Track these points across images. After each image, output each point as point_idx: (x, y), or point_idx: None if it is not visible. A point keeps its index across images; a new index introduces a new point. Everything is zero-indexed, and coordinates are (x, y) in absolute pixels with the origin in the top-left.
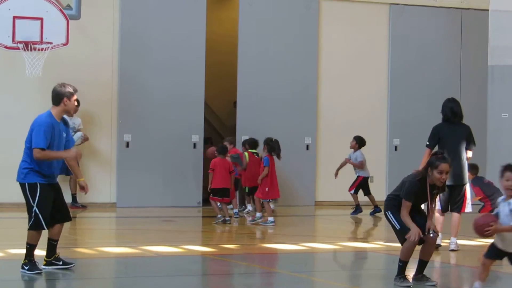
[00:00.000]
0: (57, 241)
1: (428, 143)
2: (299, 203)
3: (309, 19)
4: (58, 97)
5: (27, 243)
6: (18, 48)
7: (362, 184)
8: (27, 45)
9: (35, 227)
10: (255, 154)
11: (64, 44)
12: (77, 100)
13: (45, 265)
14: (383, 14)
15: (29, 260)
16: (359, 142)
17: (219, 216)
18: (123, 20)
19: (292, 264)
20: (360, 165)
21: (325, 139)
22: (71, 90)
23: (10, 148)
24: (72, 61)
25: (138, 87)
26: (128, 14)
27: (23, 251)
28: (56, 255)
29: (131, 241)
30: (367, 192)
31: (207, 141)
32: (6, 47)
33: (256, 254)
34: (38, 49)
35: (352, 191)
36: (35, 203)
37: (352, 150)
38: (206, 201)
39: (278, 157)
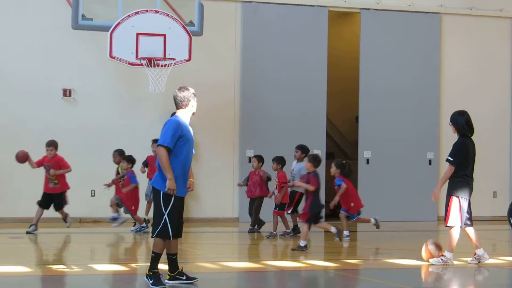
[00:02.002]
0: (175, 254)
1: (452, 159)
2: (420, 218)
3: (431, 33)
4: (185, 99)
5: (152, 252)
6: (141, 65)
7: (299, 201)
8: (150, 61)
9: (161, 234)
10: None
11: (187, 60)
12: None
13: (168, 279)
14: (506, 28)
15: (153, 272)
16: (305, 151)
17: None
18: (244, 36)
19: (415, 279)
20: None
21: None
22: (189, 92)
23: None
24: (195, 76)
25: (260, 102)
26: (250, 31)
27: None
28: (180, 270)
29: (254, 255)
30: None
31: (329, 156)
32: (130, 64)
33: (379, 269)
34: (161, 65)
35: (290, 211)
36: (167, 212)
37: (295, 160)
38: (328, 216)
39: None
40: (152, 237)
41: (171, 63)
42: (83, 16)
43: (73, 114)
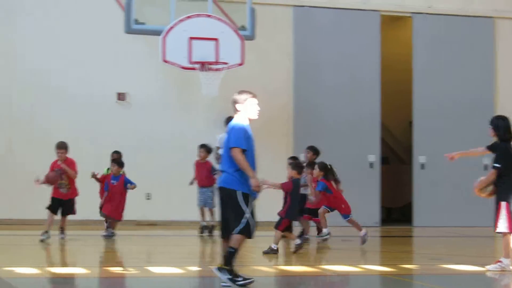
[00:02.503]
0: None
1: (499, 165)
2: (477, 223)
3: (484, 37)
4: (235, 102)
5: (231, 247)
6: (194, 69)
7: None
8: (203, 65)
9: (244, 231)
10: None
11: (239, 64)
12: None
13: None
14: None
15: (231, 268)
16: (316, 153)
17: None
18: (296, 40)
19: (472, 285)
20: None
21: None
22: (246, 95)
23: (185, 165)
24: (247, 81)
25: (313, 106)
26: (302, 35)
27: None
28: (235, 272)
29: (309, 259)
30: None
31: (384, 161)
32: (182, 67)
33: (436, 275)
34: (214, 69)
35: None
36: (249, 211)
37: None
38: (384, 221)
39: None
40: (232, 234)
41: (224, 67)
42: (136, 20)
43: (127, 117)
